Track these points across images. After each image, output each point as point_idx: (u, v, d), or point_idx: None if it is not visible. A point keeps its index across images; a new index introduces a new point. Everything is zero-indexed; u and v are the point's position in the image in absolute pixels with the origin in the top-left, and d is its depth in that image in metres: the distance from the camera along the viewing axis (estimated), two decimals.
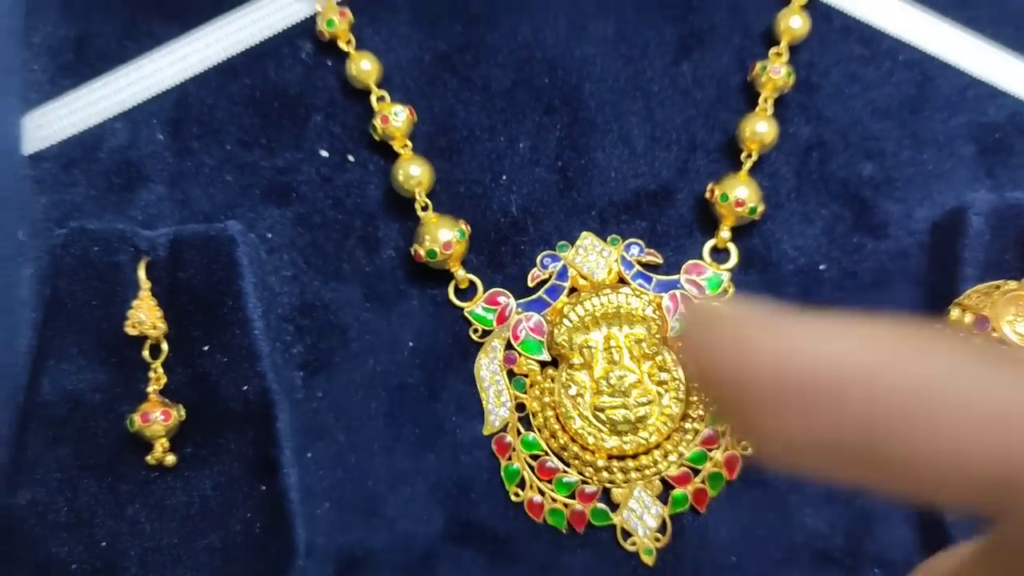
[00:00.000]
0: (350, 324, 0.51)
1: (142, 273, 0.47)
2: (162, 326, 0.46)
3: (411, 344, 0.51)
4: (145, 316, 0.46)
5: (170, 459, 0.46)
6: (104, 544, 0.45)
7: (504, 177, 0.53)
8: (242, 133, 0.52)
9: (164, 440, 0.46)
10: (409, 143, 0.52)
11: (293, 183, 0.52)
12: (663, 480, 0.50)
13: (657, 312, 0.50)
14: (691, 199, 0.53)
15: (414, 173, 0.51)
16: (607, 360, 0.50)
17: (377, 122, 0.51)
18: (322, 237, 0.52)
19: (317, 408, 0.50)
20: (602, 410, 0.49)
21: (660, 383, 0.49)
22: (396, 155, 0.51)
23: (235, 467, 0.47)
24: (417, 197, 0.51)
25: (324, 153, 0.52)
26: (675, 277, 0.51)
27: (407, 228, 0.52)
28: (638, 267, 0.51)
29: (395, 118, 0.51)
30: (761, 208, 0.50)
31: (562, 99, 0.53)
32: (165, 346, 0.47)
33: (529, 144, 0.53)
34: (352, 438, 0.50)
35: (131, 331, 0.46)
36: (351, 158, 0.53)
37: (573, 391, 0.49)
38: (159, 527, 0.46)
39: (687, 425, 0.50)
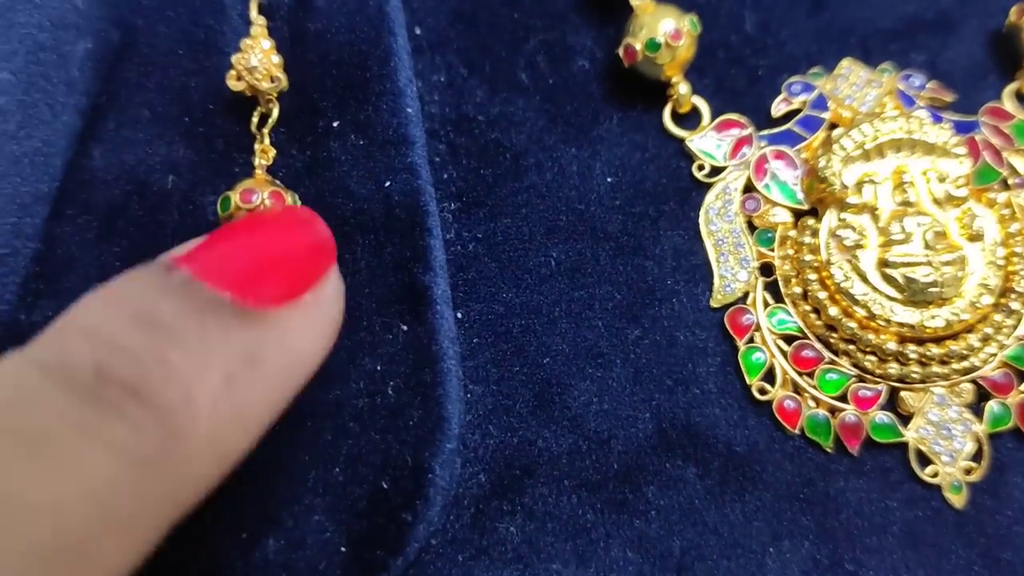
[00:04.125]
0: (525, 148, 0.36)
1: (254, 10, 0.33)
2: (281, 78, 0.32)
3: (610, 180, 0.36)
4: (258, 62, 0.31)
5: None
6: None
7: None
8: None
9: None
10: None
11: None
12: (975, 383, 0.34)
13: (965, 148, 0.35)
14: (981, 34, 0.39)
15: None
16: (898, 200, 0.34)
17: None
18: (491, 38, 0.38)
19: (473, 253, 0.35)
20: (895, 267, 0.33)
21: (972, 238, 0.34)
22: None
23: (364, 295, 0.31)
24: None
25: None
26: (973, 118, 0.37)
27: (605, 36, 0.38)
28: (921, 103, 0.37)
29: None
30: None
31: None
32: (276, 112, 0.32)
33: None
34: (522, 299, 0.35)
35: (235, 85, 0.31)
36: None
37: (850, 241, 0.34)
38: None
39: (1011, 304, 0.34)
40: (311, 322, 0.25)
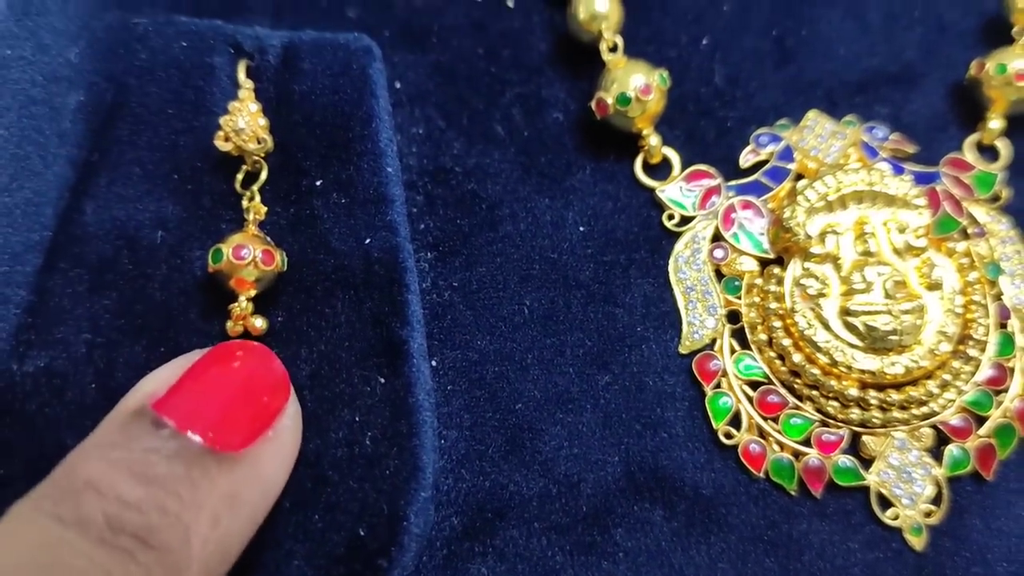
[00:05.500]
0: (500, 198, 0.38)
1: (242, 74, 0.34)
2: (267, 139, 0.33)
3: (582, 229, 0.38)
4: (245, 124, 0.32)
5: (259, 323, 0.32)
6: None
7: (705, 40, 0.41)
8: None
9: (251, 293, 0.32)
10: None
11: (434, 25, 0.40)
12: (935, 428, 0.35)
13: (925, 199, 0.37)
14: (943, 86, 0.41)
15: (600, 9, 0.39)
16: (860, 251, 0.36)
17: None
18: (469, 91, 0.39)
19: (449, 302, 0.36)
20: (856, 315, 0.35)
21: (931, 287, 0.35)
22: (565, 3, 0.40)
23: (344, 348, 0.32)
24: (604, 36, 0.38)
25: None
26: (934, 169, 0.38)
27: (579, 89, 0.40)
28: (884, 154, 0.38)
29: None
30: None
31: None
32: (264, 174, 0.34)
33: (735, 4, 0.41)
34: (496, 346, 0.36)
35: (222, 145, 0.33)
36: (511, 3, 0.41)
37: (813, 290, 0.35)
38: None
39: (969, 351, 0.35)
40: (277, 452, 0.29)
